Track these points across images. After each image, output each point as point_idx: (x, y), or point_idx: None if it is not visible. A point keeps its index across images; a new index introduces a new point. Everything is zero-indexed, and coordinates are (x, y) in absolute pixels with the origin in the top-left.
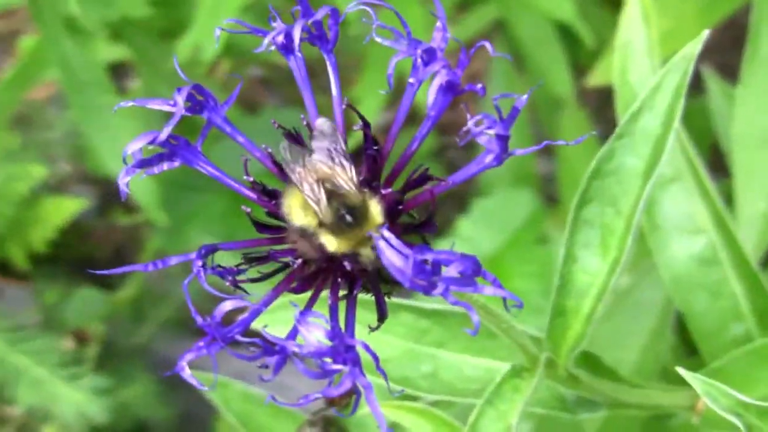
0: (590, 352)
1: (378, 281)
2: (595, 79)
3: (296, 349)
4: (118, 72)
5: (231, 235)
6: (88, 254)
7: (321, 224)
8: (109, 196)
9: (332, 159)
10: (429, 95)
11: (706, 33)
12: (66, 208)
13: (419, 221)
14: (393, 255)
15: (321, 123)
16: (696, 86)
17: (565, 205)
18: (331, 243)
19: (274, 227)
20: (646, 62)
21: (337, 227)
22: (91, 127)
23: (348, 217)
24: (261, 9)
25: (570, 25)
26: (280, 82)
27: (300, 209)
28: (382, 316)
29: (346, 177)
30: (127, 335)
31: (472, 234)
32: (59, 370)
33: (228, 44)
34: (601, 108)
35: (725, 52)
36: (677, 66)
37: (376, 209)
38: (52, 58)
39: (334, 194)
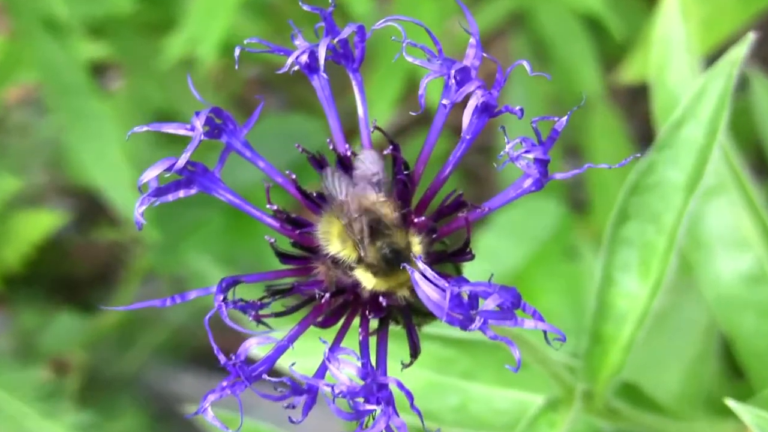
0: (630, 382)
1: (410, 313)
2: (627, 75)
3: (327, 389)
4: (97, 72)
5: (231, 254)
6: (68, 274)
7: (360, 260)
8: (91, 209)
9: (376, 192)
10: (464, 118)
11: (752, 36)
12: (43, 223)
13: (453, 249)
14: (429, 288)
15: (368, 154)
16: (737, 82)
17: (595, 213)
18: (368, 281)
19: (299, 258)
20: (685, 59)
21: (380, 268)
22: (74, 132)
23: (393, 260)
24: (257, 5)
25: (597, 16)
26: (279, 82)
27: (338, 239)
28: (415, 352)
29: (390, 213)
30: (113, 364)
31: (495, 247)
32: (38, 403)
33: (224, 42)
34: (632, 104)
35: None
36: (722, 70)
37: (416, 246)
38: (29, 58)
39: (378, 232)
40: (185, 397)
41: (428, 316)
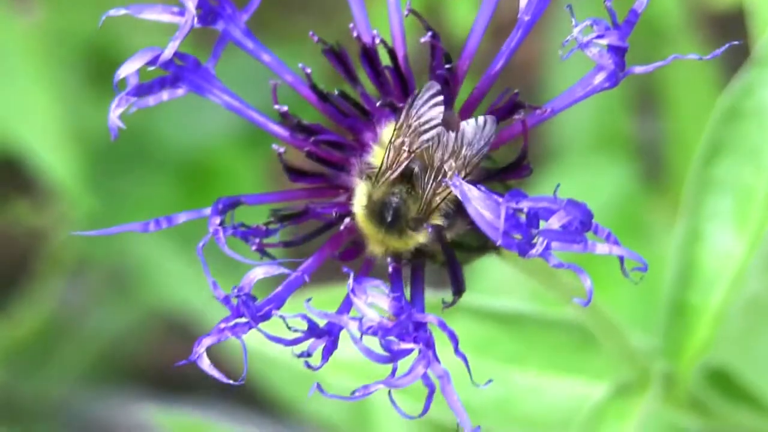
0: (723, 369)
1: (450, 246)
2: None
3: (354, 327)
4: None
5: (188, 235)
6: None
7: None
8: (6, 182)
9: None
10: None
11: None
12: None
13: (506, 164)
14: (480, 204)
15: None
16: None
17: (674, 185)
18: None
19: (314, 175)
20: None
21: (372, 214)
22: None
23: (386, 219)
24: None
25: None
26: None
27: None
28: (459, 289)
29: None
30: (32, 385)
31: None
32: None
33: None
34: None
35: None
36: None
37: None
38: None
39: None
40: (124, 427)
41: (472, 250)
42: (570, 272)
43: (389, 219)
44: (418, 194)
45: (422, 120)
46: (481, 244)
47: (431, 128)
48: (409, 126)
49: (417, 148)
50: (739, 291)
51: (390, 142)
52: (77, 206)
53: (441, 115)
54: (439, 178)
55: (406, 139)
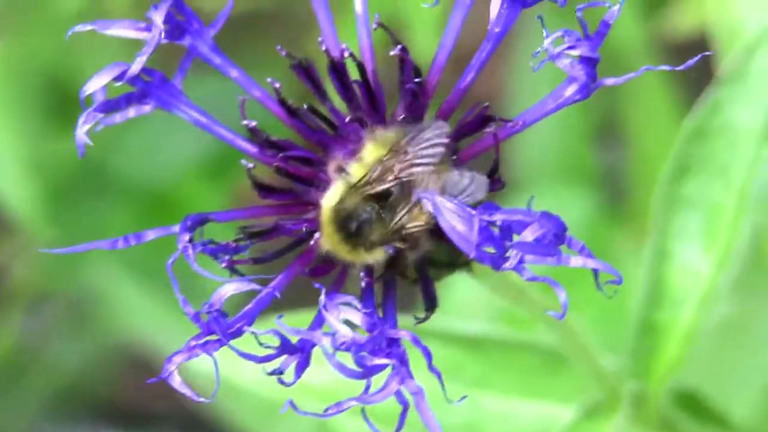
0: (692, 391)
1: (423, 261)
2: (681, 19)
3: (327, 342)
4: None
5: (151, 266)
6: None
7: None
8: None
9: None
10: (492, 4)
11: None
12: None
13: None
14: (454, 216)
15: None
16: None
17: (638, 211)
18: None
19: (283, 192)
20: None
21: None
22: None
23: (351, 229)
24: None
25: None
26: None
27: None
28: (431, 304)
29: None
30: None
31: None
32: None
33: None
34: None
35: None
36: None
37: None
38: None
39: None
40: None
41: (444, 266)
42: (540, 289)
43: (351, 230)
44: (384, 220)
45: (420, 154)
46: (452, 260)
47: (424, 165)
48: (406, 153)
49: (403, 177)
50: (708, 309)
51: (382, 159)
52: (38, 237)
53: (437, 158)
54: (413, 195)
55: (397, 165)
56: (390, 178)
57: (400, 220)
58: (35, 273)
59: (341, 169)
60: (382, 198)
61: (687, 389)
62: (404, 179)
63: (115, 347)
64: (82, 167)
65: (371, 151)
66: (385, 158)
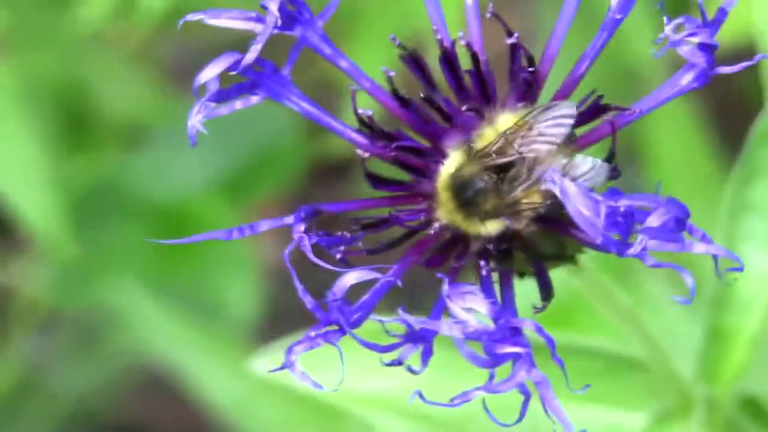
0: (754, 396)
1: (536, 250)
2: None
3: (456, 331)
4: None
5: (164, 284)
6: None
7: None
8: None
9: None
10: None
11: None
12: None
13: None
14: (580, 201)
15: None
16: None
17: None
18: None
19: (396, 183)
20: None
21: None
22: None
23: (465, 198)
24: None
25: None
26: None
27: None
28: (547, 294)
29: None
30: None
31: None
32: None
33: None
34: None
35: None
36: None
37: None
38: None
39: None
40: None
41: (551, 258)
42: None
43: (466, 197)
44: (500, 192)
45: (544, 131)
46: (559, 251)
47: (547, 143)
48: (530, 128)
49: (524, 154)
50: None
51: (506, 132)
52: (58, 255)
53: (562, 137)
54: (534, 171)
55: (520, 139)
56: (511, 152)
57: (516, 193)
58: (46, 292)
59: (460, 145)
60: (502, 170)
61: (750, 394)
62: (525, 155)
63: (127, 368)
64: (95, 188)
65: (492, 131)
66: (508, 132)
